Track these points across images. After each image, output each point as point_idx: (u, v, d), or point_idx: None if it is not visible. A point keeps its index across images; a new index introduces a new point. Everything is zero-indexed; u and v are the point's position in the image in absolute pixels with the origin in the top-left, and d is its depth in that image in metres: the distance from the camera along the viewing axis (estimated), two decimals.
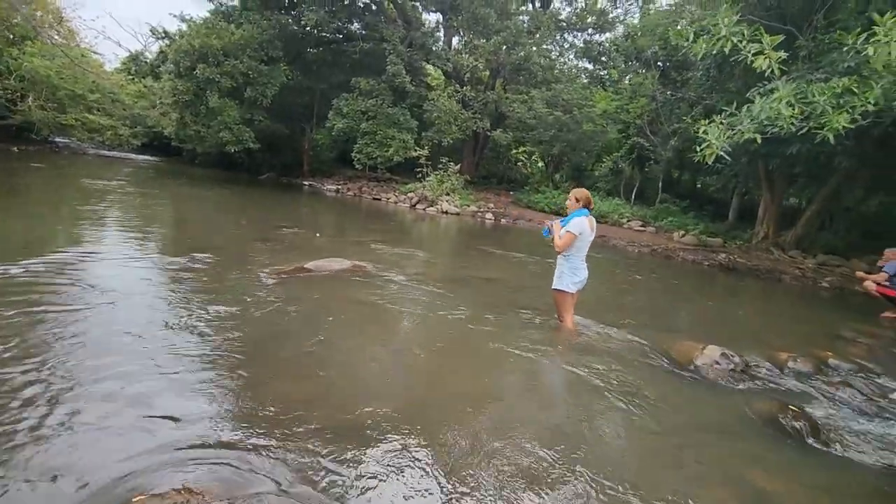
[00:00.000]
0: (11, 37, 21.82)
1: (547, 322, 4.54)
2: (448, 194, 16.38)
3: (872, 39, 5.51)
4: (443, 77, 22.10)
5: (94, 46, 28.10)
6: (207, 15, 20.50)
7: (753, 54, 6.42)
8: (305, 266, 5.63)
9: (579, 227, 4.07)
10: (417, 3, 20.16)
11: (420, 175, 17.10)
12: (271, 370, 2.96)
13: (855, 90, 6.19)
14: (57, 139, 27.77)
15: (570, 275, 4.18)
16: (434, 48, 19.76)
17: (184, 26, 21.57)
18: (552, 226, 4.29)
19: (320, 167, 24.16)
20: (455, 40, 21.93)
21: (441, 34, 22.12)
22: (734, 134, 6.71)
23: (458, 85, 19.19)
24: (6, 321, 3.16)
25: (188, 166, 26.69)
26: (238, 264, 5.51)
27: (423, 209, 15.64)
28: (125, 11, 68.95)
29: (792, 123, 6.20)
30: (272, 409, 2.50)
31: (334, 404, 2.66)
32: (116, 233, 6.84)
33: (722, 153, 6.62)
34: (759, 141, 6.64)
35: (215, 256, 5.71)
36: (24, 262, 4.42)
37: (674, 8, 16.37)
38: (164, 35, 23.21)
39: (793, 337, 5.12)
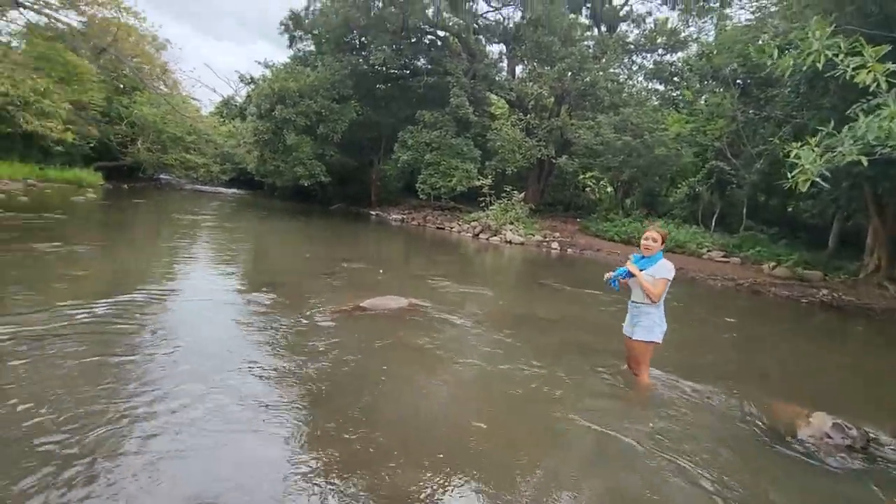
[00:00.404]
0: (122, 87, 24.93)
1: (618, 374, 4.11)
2: (512, 223, 16.11)
3: None
4: (506, 106, 22.16)
5: (192, 93, 31.34)
6: (287, 60, 22.27)
7: (854, 68, 5.71)
8: (362, 305, 5.62)
9: (672, 271, 3.68)
10: (481, 37, 20.54)
11: (483, 204, 17.02)
12: (312, 432, 2.85)
13: None
14: (160, 176, 31.21)
15: (662, 324, 3.75)
16: (497, 78, 19.93)
17: (267, 72, 23.56)
18: (630, 269, 3.73)
19: (387, 197, 24.92)
20: (518, 69, 22.03)
21: (504, 64, 22.33)
22: (833, 157, 5.94)
23: (521, 113, 19.12)
24: (75, 368, 3.34)
25: (268, 198, 28.65)
26: (300, 303, 5.61)
27: (487, 238, 15.47)
28: (221, 60, 76.84)
29: None
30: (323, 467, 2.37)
31: (381, 472, 2.48)
32: (194, 269, 7.30)
33: (818, 179, 5.88)
34: (866, 164, 5.82)
35: (280, 295, 5.86)
36: (104, 301, 4.76)
37: (755, 22, 15.28)
38: (250, 80, 25.43)
39: None
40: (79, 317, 4.24)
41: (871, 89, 5.79)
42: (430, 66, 20.42)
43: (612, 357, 4.45)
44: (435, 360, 4.20)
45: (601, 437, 3.10)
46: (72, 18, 17.33)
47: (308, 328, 4.68)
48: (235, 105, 35.12)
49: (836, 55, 5.88)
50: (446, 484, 2.44)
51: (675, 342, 4.45)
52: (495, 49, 23.67)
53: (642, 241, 3.84)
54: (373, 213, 22.36)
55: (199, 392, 3.08)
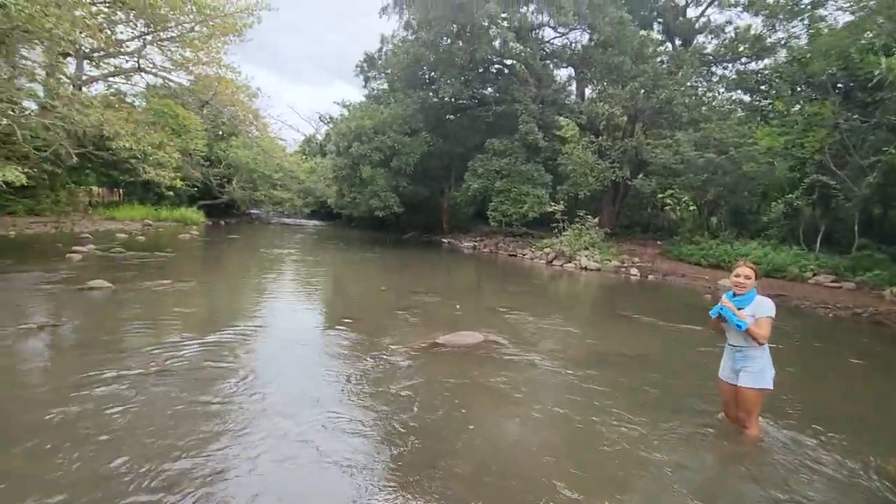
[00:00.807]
0: (221, 133, 27.81)
1: (718, 427, 3.76)
2: (587, 248, 15.59)
3: None
4: (577, 129, 21.81)
5: (279, 135, 34.21)
6: (363, 99, 23.68)
7: None
8: (438, 341, 5.68)
9: (773, 309, 3.37)
10: (548, 62, 20.53)
11: (556, 230, 16.68)
12: (388, 480, 2.89)
13: None
14: (252, 210, 34.24)
15: (770, 368, 3.43)
16: (566, 102, 19.73)
17: (344, 111, 25.20)
18: (731, 307, 3.40)
19: (458, 224, 25.27)
20: (588, 90, 21.66)
21: (573, 87, 22.09)
22: None
23: (592, 135, 18.71)
24: (167, 415, 3.66)
25: (345, 229, 30.19)
26: (378, 339, 5.78)
27: (561, 265, 15.09)
28: (304, 103, 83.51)
29: None
30: None
31: None
32: (279, 304, 7.83)
33: None
34: None
35: (358, 332, 6.08)
36: (198, 340, 5.23)
37: (856, 21, 13.90)
38: (329, 120, 27.37)
39: None
40: (180, 355, 4.70)
41: None
42: (497, 95, 20.68)
43: (706, 402, 4.10)
44: (512, 403, 4.11)
45: (703, 493, 2.83)
46: (182, 78, 19.78)
47: (386, 369, 4.79)
48: (316, 143, 37.96)
49: None
50: None
51: (782, 385, 4.00)
52: (563, 73, 23.53)
53: (733, 279, 3.54)
54: (445, 240, 22.73)
55: (286, 450, 3.25)
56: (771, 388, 3.39)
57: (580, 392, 4.39)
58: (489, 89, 21.86)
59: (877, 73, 5.85)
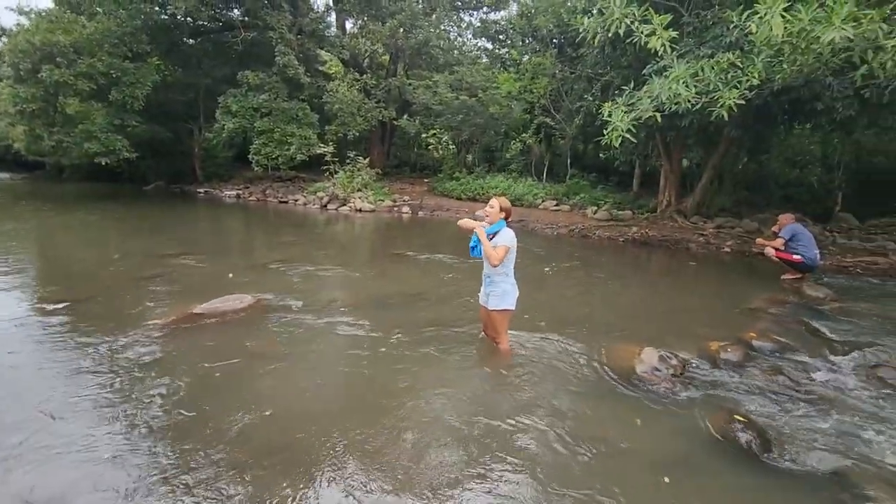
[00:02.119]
0: None
1: (479, 345, 4.18)
2: (360, 190, 15.54)
3: (755, 17, 5.67)
4: (341, 65, 20.86)
5: None
6: (51, 6, 17.47)
7: (647, 35, 6.45)
8: (195, 311, 4.79)
9: (512, 240, 3.70)
10: None
11: (328, 172, 16.05)
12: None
13: (739, 64, 6.42)
14: None
15: (514, 291, 3.82)
16: (326, 34, 18.49)
17: (23, 19, 18.34)
18: (477, 231, 3.67)
19: (216, 171, 22.01)
20: (349, 24, 20.73)
21: (332, 19, 20.81)
22: (636, 114, 6.77)
23: (357, 73, 18.17)
24: None
25: (54, 183, 23.25)
26: (112, 320, 4.54)
27: (336, 209, 14.72)
28: None
29: (689, 101, 6.32)
30: None
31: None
32: None
33: (626, 135, 6.67)
34: (660, 120, 6.76)
35: (81, 315, 4.69)
36: None
37: None
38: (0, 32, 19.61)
39: (714, 317, 5.25)
40: None
41: (660, 53, 6.64)
42: (246, 19, 17.92)
43: (472, 326, 4.51)
44: (290, 367, 3.75)
45: (472, 403, 3.10)
46: None
47: (126, 356, 3.79)
48: None
49: (632, 22, 6.58)
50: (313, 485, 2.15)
51: (528, 302, 4.68)
52: (321, 1, 21.88)
53: (485, 208, 3.82)
54: (200, 190, 19.58)
55: None
56: (512, 308, 3.84)
57: (360, 340, 4.30)
58: (235, 11, 18.77)
59: (581, 31, 6.88)
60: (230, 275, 6.18)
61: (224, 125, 16.56)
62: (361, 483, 2.43)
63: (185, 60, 19.65)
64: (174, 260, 7.28)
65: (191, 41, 19.75)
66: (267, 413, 3.05)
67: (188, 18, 17.27)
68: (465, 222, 3.90)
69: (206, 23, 17.75)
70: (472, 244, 3.78)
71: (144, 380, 3.42)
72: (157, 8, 16.38)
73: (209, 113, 18.90)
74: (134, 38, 15.23)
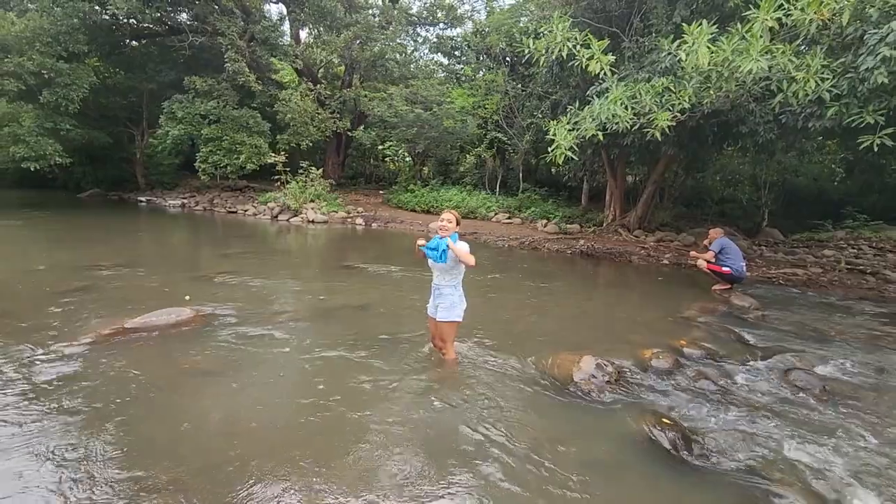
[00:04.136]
0: None
1: (428, 354, 4.22)
2: (313, 201, 15.30)
3: (684, 46, 6.11)
4: (294, 74, 20.59)
5: None
6: None
7: (587, 59, 6.81)
8: (127, 326, 4.55)
9: (468, 249, 3.76)
10: None
11: (280, 182, 15.70)
12: None
13: (672, 89, 6.87)
14: None
15: (462, 303, 3.90)
16: (280, 43, 18.23)
17: None
18: (448, 241, 3.67)
19: (160, 179, 21.10)
20: (303, 34, 20.55)
21: (286, 28, 20.57)
22: (580, 132, 7.10)
23: (311, 83, 17.99)
24: None
25: None
26: (31, 335, 4.23)
27: (287, 220, 14.40)
28: None
29: (627, 122, 6.69)
30: None
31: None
32: None
33: (569, 153, 6.97)
34: (602, 137, 7.12)
35: None
36: None
37: (515, 5, 17.17)
38: None
39: (650, 326, 5.52)
40: None
41: (601, 76, 7.02)
42: (195, 24, 17.41)
43: (421, 339, 4.54)
44: (230, 383, 3.62)
45: (416, 413, 3.11)
46: None
47: (41, 373, 3.55)
48: None
49: (575, 46, 6.93)
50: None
51: (476, 313, 4.75)
52: (274, 9, 21.57)
53: (439, 223, 3.86)
54: (142, 199, 18.65)
55: None
56: (460, 320, 3.91)
57: (305, 354, 4.22)
58: (183, 15, 18.18)
59: (528, 51, 7.17)
60: (187, 297, 5.77)
61: (168, 131, 15.95)
62: (304, 496, 2.39)
63: (128, 63, 18.83)
64: (108, 272, 6.88)
65: (134, 43, 18.96)
66: (200, 430, 2.94)
67: (131, 20, 16.58)
68: (423, 242, 3.87)
69: (150, 25, 17.09)
70: (433, 249, 3.76)
71: (62, 399, 3.22)
72: (96, 7, 15.60)
73: (153, 118, 18.15)
74: (70, 38, 14.42)
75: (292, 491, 2.44)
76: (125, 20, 16.66)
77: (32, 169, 15.00)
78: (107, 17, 16.34)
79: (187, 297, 5.63)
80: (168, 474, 2.52)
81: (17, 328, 4.51)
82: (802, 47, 6.02)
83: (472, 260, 3.65)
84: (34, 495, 2.33)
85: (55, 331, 4.47)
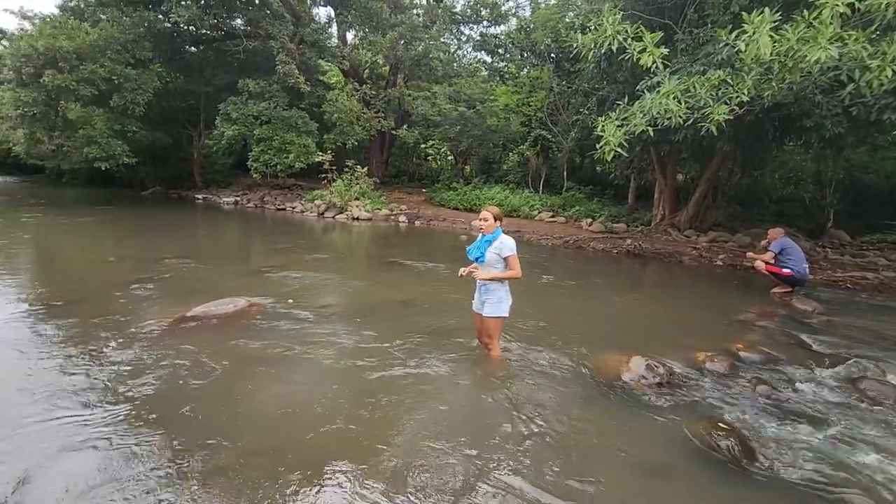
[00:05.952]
0: None
1: (473, 349, 4.23)
2: (358, 199, 15.64)
3: (744, 36, 5.81)
4: (341, 75, 21.09)
5: None
6: (56, 11, 17.67)
7: (639, 52, 6.60)
8: (188, 314, 4.83)
9: (514, 247, 3.78)
10: None
11: (326, 181, 16.15)
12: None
13: (729, 81, 6.55)
14: None
15: (508, 298, 3.90)
16: (327, 45, 18.71)
17: (26, 24, 18.52)
18: (475, 275, 3.83)
19: (215, 177, 22.13)
20: (350, 36, 21.01)
21: (334, 30, 21.09)
22: (629, 128, 6.89)
23: (357, 83, 18.37)
24: None
25: (53, 186, 23.34)
26: (104, 323, 4.57)
27: (333, 217, 14.80)
28: None
29: (680, 116, 6.44)
30: None
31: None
32: None
33: (619, 150, 6.78)
34: (652, 133, 6.88)
35: (71, 315, 4.72)
36: None
37: (562, 1, 16.85)
38: (0, 35, 19.78)
39: (703, 329, 5.30)
40: None
41: (652, 69, 6.80)
42: (248, 28, 18.16)
43: (465, 334, 4.56)
44: (283, 370, 3.78)
45: (462, 407, 3.14)
46: None
47: (117, 359, 3.82)
48: None
49: (625, 39, 6.74)
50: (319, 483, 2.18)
51: (521, 310, 4.72)
52: (322, 12, 22.18)
53: (478, 221, 3.92)
54: (199, 196, 19.66)
55: None
56: (506, 316, 3.91)
57: (354, 344, 4.34)
58: (238, 20, 19.02)
59: (575, 47, 7.03)
60: (290, 300, 5.54)
61: (224, 132, 16.72)
62: (352, 484, 2.46)
63: (187, 68, 19.85)
64: (169, 264, 7.32)
65: (193, 49, 19.97)
66: (255, 415, 3.08)
67: (190, 27, 17.49)
68: (475, 273, 3.88)
69: (207, 31, 17.99)
70: (476, 254, 3.85)
71: (129, 379, 3.46)
72: (160, 16, 16.60)
73: (209, 120, 19.04)
74: (137, 45, 15.38)
75: (338, 477, 2.52)
76: (185, 27, 17.59)
77: (103, 168, 16.12)
78: (168, 25, 17.34)
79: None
80: (227, 453, 2.66)
81: (92, 313, 4.88)
82: (877, 34, 5.60)
83: (518, 273, 3.74)
84: (116, 456, 2.53)
85: (125, 316, 4.80)
